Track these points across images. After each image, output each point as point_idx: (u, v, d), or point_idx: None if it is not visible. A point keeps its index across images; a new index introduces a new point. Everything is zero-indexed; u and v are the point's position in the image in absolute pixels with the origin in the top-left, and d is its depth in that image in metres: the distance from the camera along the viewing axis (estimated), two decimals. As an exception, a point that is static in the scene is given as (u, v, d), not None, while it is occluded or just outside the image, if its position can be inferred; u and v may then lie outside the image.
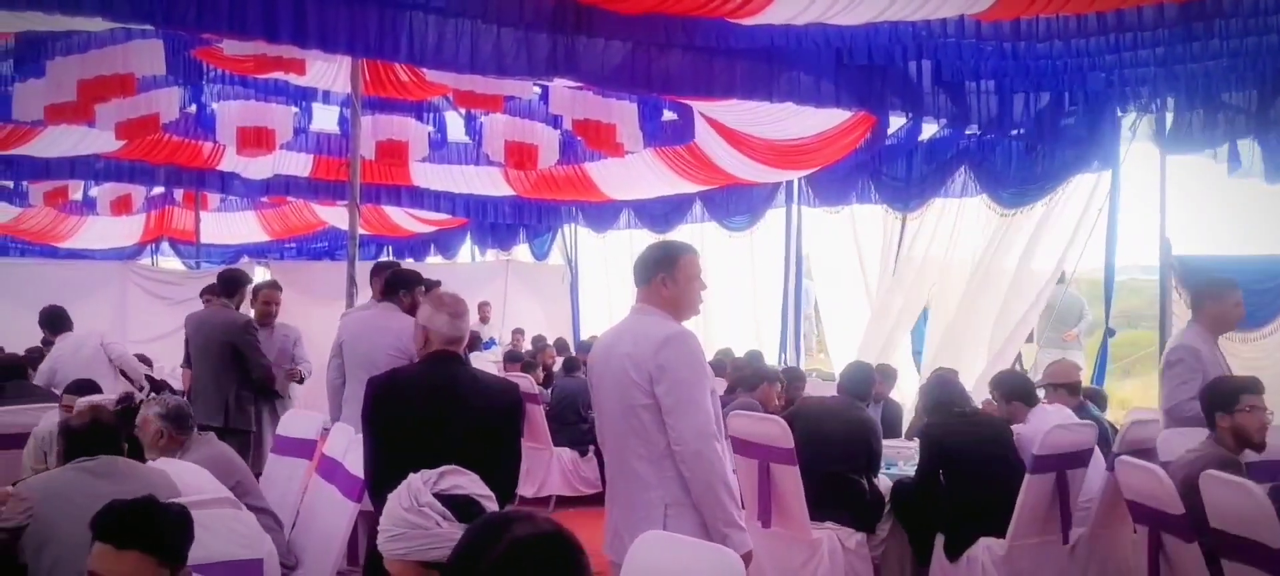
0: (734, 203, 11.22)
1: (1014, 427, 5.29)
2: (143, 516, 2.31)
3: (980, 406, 6.16)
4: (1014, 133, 7.57)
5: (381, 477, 3.37)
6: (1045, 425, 5.00)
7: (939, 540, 5.23)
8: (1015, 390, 5.61)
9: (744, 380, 6.95)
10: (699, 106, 8.75)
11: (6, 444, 5.56)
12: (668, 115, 9.38)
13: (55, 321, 7.57)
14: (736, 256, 11.62)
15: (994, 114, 7.10)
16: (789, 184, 10.52)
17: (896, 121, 7.97)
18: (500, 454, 3.41)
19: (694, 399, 3.34)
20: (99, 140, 10.10)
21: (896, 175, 9.08)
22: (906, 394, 8.53)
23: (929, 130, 8.13)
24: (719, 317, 11.00)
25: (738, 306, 11.43)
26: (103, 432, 3.75)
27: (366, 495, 3.63)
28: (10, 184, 13.39)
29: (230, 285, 6.86)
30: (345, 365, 5.62)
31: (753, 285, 11.49)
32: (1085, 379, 6.99)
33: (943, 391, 5.61)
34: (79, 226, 16.60)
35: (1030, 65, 6.62)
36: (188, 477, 3.79)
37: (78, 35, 7.54)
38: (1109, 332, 7.56)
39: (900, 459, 6.11)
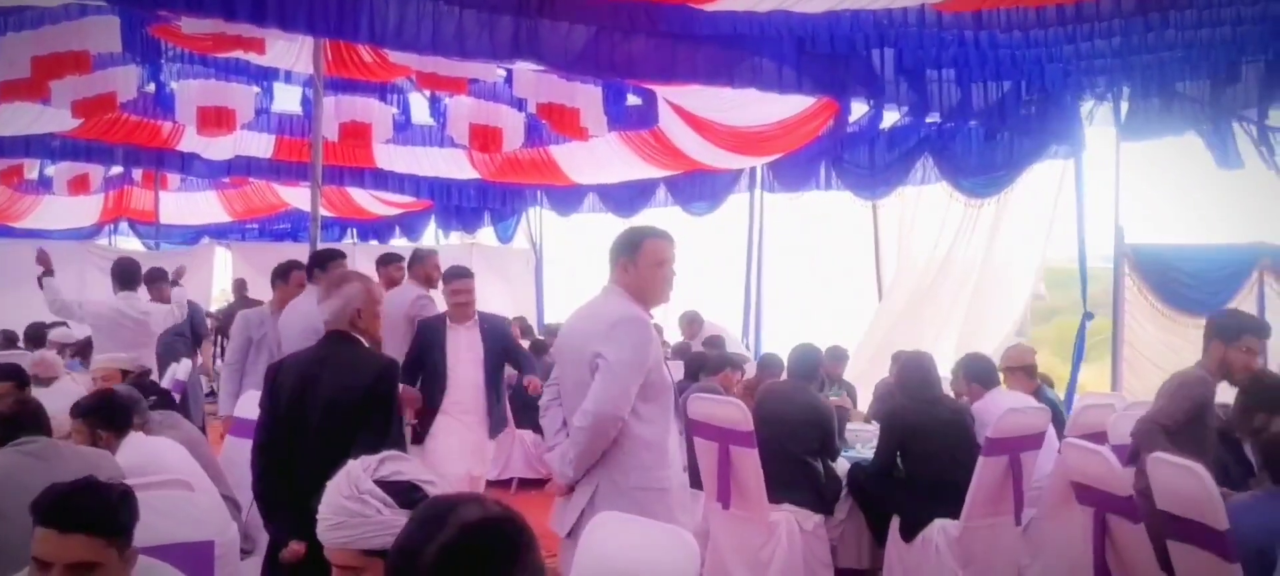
0: (697, 188, 11.25)
1: (971, 407, 5.37)
2: (85, 497, 2.28)
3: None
4: (973, 121, 7.64)
5: (260, 456, 3.69)
6: (999, 408, 5.07)
7: (895, 521, 5.30)
8: (974, 372, 5.67)
9: (706, 364, 6.97)
10: (663, 91, 8.76)
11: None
12: (632, 100, 9.38)
13: (126, 277, 7.44)
14: (700, 241, 11.66)
15: (955, 102, 7.16)
16: (752, 170, 10.57)
17: (858, 109, 8.03)
18: (358, 430, 3.48)
19: (617, 377, 3.41)
20: (55, 119, 9.91)
21: (859, 162, 9.13)
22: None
23: (891, 118, 8.20)
24: (682, 301, 11.03)
25: (700, 291, 11.47)
26: (31, 415, 3.72)
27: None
28: (-38, 162, 13.14)
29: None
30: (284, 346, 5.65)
31: (716, 269, 11.54)
32: (1065, 364, 7.10)
33: (914, 372, 5.58)
34: (35, 205, 16.30)
35: (990, 54, 6.69)
36: (159, 455, 3.80)
37: (30, 10, 7.40)
38: (1087, 316, 7.64)
39: (858, 441, 6.18)
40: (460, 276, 6.07)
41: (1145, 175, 7.75)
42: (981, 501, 4.99)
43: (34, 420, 3.67)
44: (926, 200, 9.00)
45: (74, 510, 2.24)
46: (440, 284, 6.28)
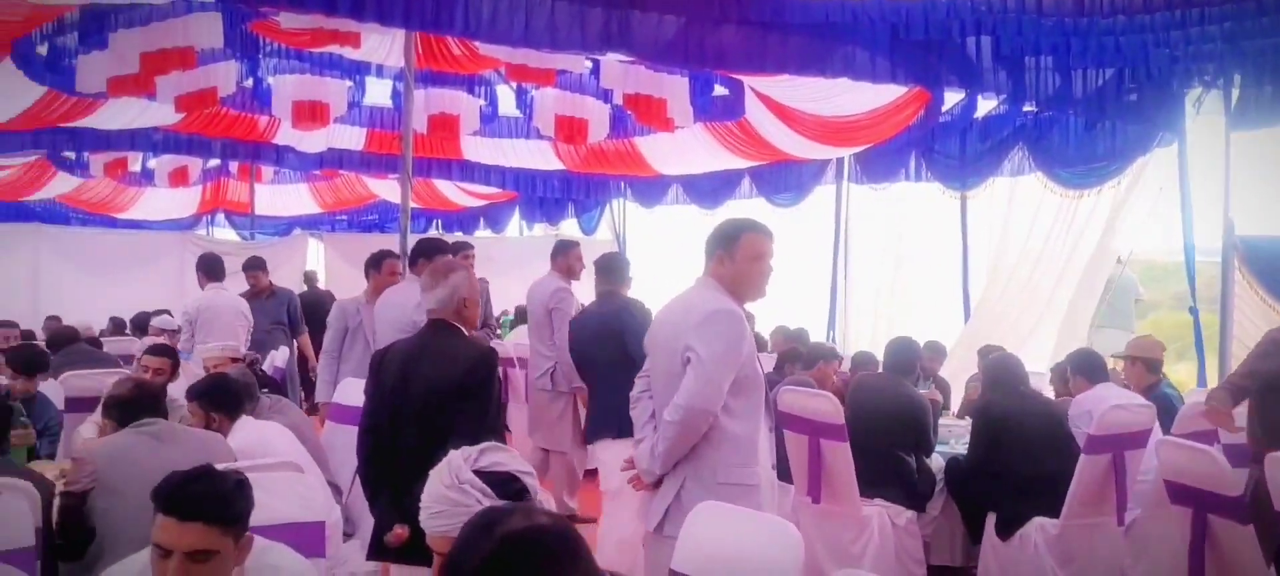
0: (783, 179, 11.15)
1: (1072, 400, 5.25)
2: (202, 486, 2.34)
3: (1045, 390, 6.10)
4: (1073, 110, 7.43)
5: (365, 441, 3.78)
6: (1103, 404, 4.94)
7: (990, 519, 5.20)
8: (1081, 365, 5.53)
9: (800, 357, 6.90)
10: (750, 82, 8.70)
11: (75, 408, 5.74)
12: (719, 90, 9.33)
13: (212, 269, 7.72)
14: (784, 233, 11.56)
15: (1053, 90, 6.96)
16: (838, 161, 10.45)
17: (951, 98, 7.87)
18: (456, 417, 3.55)
19: (709, 372, 3.37)
20: (158, 113, 10.26)
21: (950, 153, 8.96)
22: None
23: (985, 107, 8.02)
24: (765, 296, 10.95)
25: (783, 284, 11.37)
26: (150, 398, 3.88)
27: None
28: (72, 155, 13.63)
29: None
30: (377, 335, 5.82)
31: (800, 263, 11.43)
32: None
33: (1003, 370, 5.52)
34: (137, 197, 16.91)
35: (1092, 40, 6.48)
36: (267, 439, 3.92)
37: (140, 8, 7.66)
38: (1193, 312, 7.39)
39: (952, 436, 6.09)
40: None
41: (1255, 166, 7.42)
42: (1082, 500, 4.87)
43: (153, 403, 3.83)
44: (1021, 192, 8.79)
45: (191, 499, 2.30)
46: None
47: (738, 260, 3.51)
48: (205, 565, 2.30)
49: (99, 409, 5.20)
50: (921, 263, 10.19)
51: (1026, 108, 7.65)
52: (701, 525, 2.95)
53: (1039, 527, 4.98)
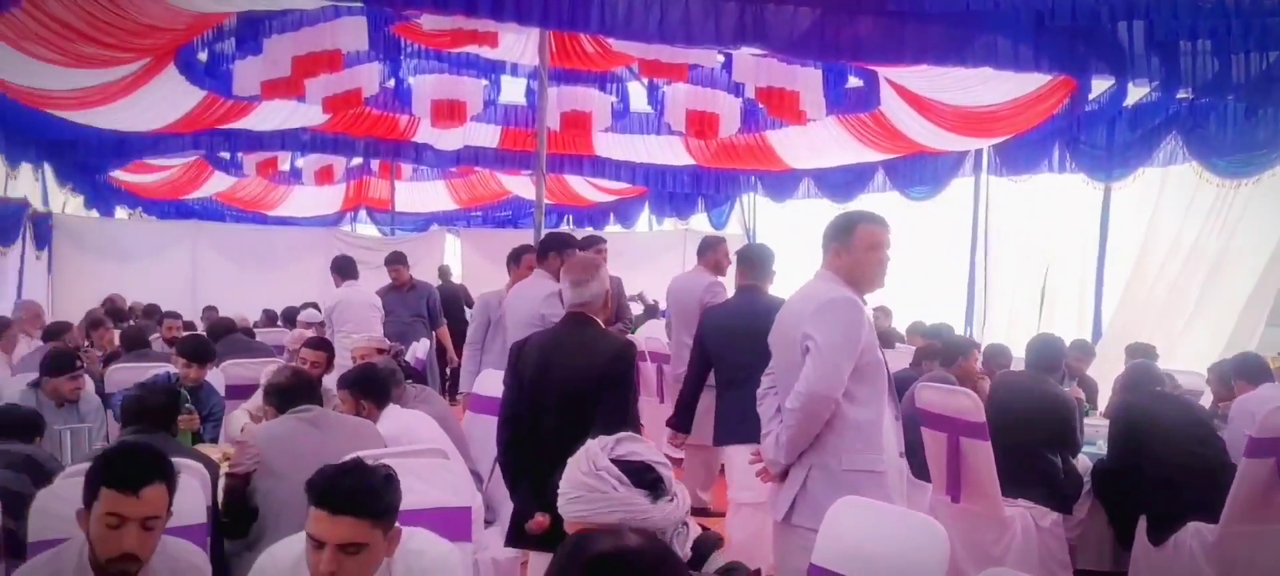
0: (918, 172, 10.91)
1: (1233, 402, 5.00)
2: (351, 480, 2.41)
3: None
4: (1231, 96, 7.04)
5: (505, 430, 3.86)
6: (1266, 405, 4.67)
7: (1142, 523, 4.99)
8: (1243, 368, 5.29)
9: (938, 353, 6.74)
10: (886, 72, 8.55)
11: (234, 395, 6.06)
12: (853, 81, 9.20)
13: (345, 269, 8.16)
14: (920, 227, 11.31)
15: (1211, 76, 6.61)
16: (976, 152, 10.16)
17: (1099, 85, 7.56)
18: (597, 408, 3.61)
19: (827, 358, 3.39)
20: (306, 114, 10.75)
21: (1096, 142, 8.60)
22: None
23: (1135, 94, 7.67)
24: (899, 290, 10.75)
25: (918, 279, 11.14)
26: (305, 386, 4.07)
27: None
28: (227, 155, 14.40)
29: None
30: (507, 328, 5.93)
31: (934, 257, 11.18)
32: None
33: (1139, 372, 5.35)
34: (286, 195, 17.73)
35: (1253, 22, 6.14)
36: (411, 427, 4.06)
37: (292, 14, 8.04)
38: None
39: (1099, 437, 5.86)
40: None
41: None
42: (1244, 505, 4.61)
43: (308, 390, 4.02)
44: (1171, 182, 8.38)
45: (342, 492, 2.36)
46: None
47: (854, 251, 3.53)
48: (356, 557, 2.37)
49: (254, 396, 5.52)
50: (1058, 256, 9.83)
51: (1181, 94, 7.28)
52: (843, 519, 2.93)
53: (1195, 533, 4.74)
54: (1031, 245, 10.10)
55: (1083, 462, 5.39)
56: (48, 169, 11.86)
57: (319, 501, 2.38)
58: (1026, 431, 5.19)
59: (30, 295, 11.02)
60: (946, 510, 5.22)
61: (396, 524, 2.52)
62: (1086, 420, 6.15)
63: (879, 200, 11.44)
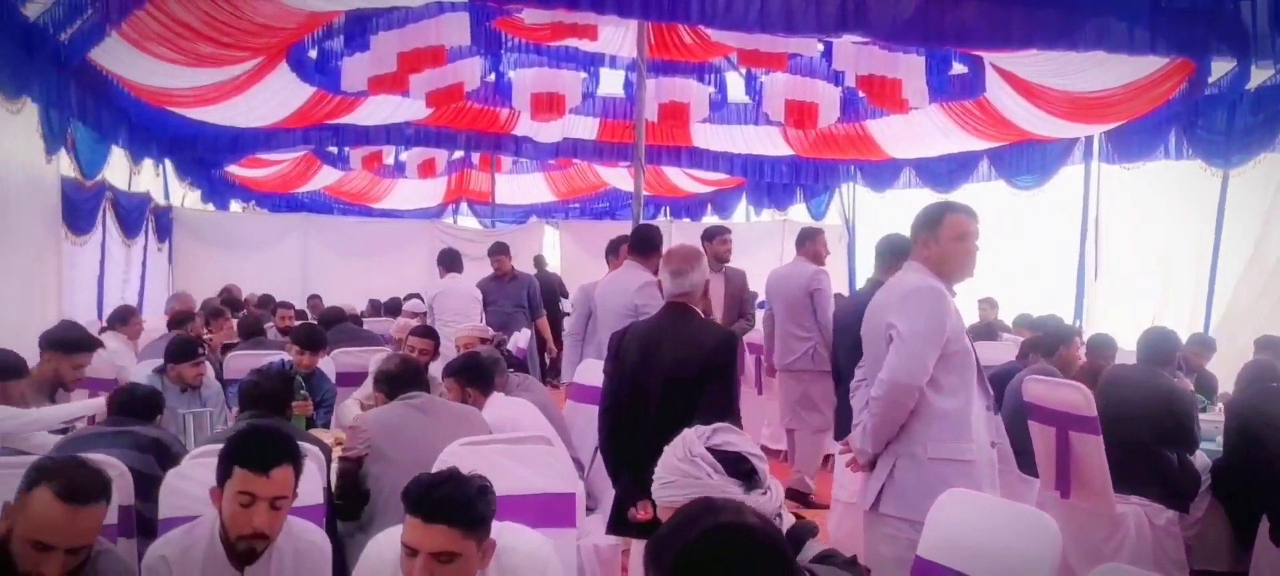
0: (1025, 160, 10.62)
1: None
2: (446, 490, 2.41)
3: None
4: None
5: (606, 419, 3.91)
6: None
7: (1264, 523, 4.78)
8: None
9: (1038, 345, 6.58)
10: (991, 58, 8.34)
11: (344, 382, 6.25)
12: (957, 68, 9.00)
13: (449, 261, 8.40)
14: (1026, 217, 11.02)
15: (1344, 55, 6.29)
16: (1087, 139, 9.84)
17: (1219, 68, 7.25)
18: (698, 397, 3.60)
19: (910, 346, 3.40)
20: (410, 108, 11.00)
21: (1215, 127, 8.24)
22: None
23: (1259, 77, 7.33)
24: (1006, 282, 10.49)
25: (1024, 270, 10.86)
26: (414, 373, 4.17)
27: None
28: (335, 150, 14.83)
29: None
30: (600, 319, 6.00)
31: (1042, 247, 10.89)
32: None
33: (1256, 368, 5.19)
34: (390, 188, 18.17)
35: (1393, -2, 5.82)
36: (514, 415, 4.13)
37: (398, 11, 8.23)
38: None
39: (1217, 433, 5.64)
40: None
41: None
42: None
43: (416, 377, 4.12)
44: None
45: (435, 502, 2.36)
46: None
47: (942, 241, 3.52)
48: (449, 566, 2.37)
49: (364, 384, 5.69)
50: (1173, 246, 9.48)
51: (1309, 75, 6.95)
52: (951, 512, 2.88)
53: (1326, 536, 4.54)
54: (1144, 234, 9.76)
55: (1201, 459, 5.19)
56: (168, 164, 12.39)
57: (414, 509, 2.38)
58: (1139, 426, 5.03)
59: (152, 285, 11.55)
60: (1056, 506, 5.09)
61: (490, 536, 2.50)
62: (1203, 416, 5.93)
63: (984, 189, 11.20)
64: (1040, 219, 10.84)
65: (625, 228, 8.87)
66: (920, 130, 10.46)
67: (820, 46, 9.18)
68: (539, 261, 14.12)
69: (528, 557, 2.63)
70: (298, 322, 7.99)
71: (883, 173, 12.97)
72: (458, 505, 2.38)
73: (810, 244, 7.05)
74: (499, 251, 9.14)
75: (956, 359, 3.47)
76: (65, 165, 8.24)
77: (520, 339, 8.37)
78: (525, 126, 12.23)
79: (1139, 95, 7.78)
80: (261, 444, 2.75)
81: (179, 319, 7.65)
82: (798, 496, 6.75)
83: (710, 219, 17.18)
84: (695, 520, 1.70)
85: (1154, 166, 9.13)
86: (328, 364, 6.32)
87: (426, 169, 16.76)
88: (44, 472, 2.45)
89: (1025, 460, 5.43)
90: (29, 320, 6.73)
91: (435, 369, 5.43)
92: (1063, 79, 7.96)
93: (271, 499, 2.71)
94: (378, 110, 11.10)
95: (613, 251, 6.81)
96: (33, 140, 7.30)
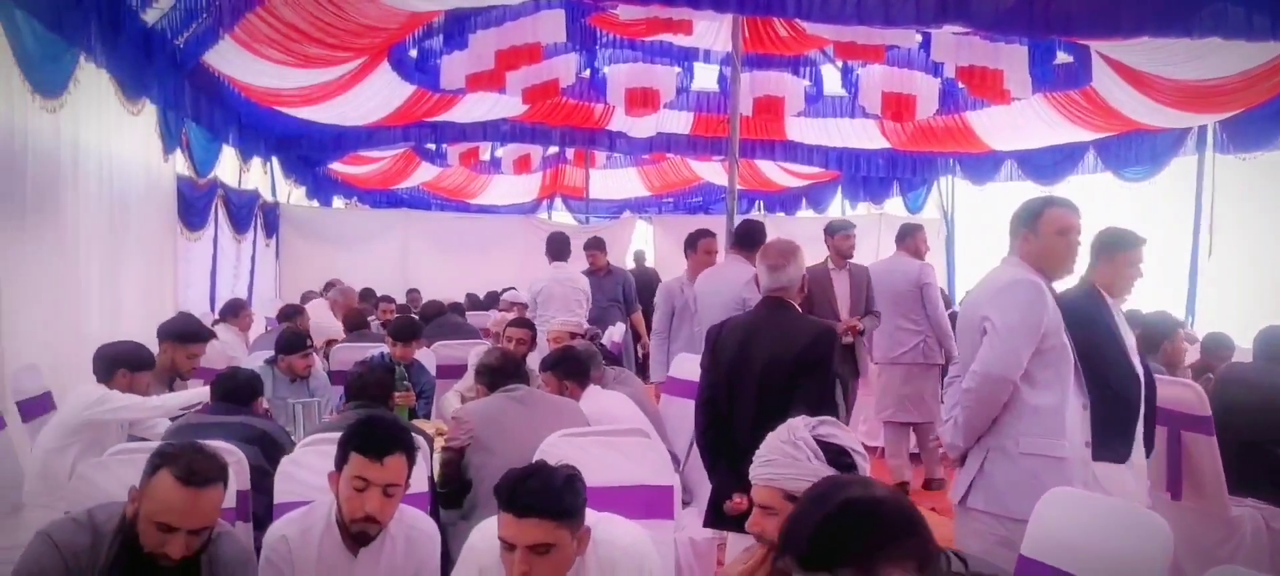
0: (1134, 150, 10.27)
1: None
2: (533, 483, 2.46)
3: None
4: None
5: (703, 412, 3.91)
6: None
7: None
8: None
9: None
10: (1098, 46, 8.08)
11: (445, 374, 6.39)
12: (1062, 57, 8.75)
13: (558, 249, 8.41)
14: (1133, 210, 10.66)
15: None
16: (1200, 128, 9.47)
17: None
18: (795, 391, 3.60)
19: (1004, 339, 3.38)
20: (507, 105, 11.16)
21: (1340, 115, 7.86)
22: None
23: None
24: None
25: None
26: (514, 366, 4.25)
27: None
28: (433, 146, 15.12)
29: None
30: (701, 312, 5.99)
31: (1150, 243, 10.49)
32: None
33: None
34: (486, 184, 18.46)
35: None
36: (610, 408, 4.18)
37: (495, 10, 8.36)
38: None
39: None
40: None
41: None
42: None
43: (516, 370, 4.20)
44: None
45: (525, 497, 2.42)
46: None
47: (1043, 236, 3.51)
48: (546, 557, 2.42)
49: (465, 376, 5.81)
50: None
51: None
52: (1056, 511, 2.82)
53: None
54: (1262, 228, 9.36)
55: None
56: (275, 162, 12.80)
57: (506, 505, 2.44)
58: (1257, 426, 4.86)
59: (261, 279, 11.95)
60: (1166, 508, 4.92)
61: (585, 524, 2.55)
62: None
63: (1089, 182, 10.87)
64: (1150, 212, 10.46)
65: (719, 222, 8.87)
66: (1022, 121, 10.21)
67: (918, 38, 9.02)
68: (639, 257, 14.20)
69: (626, 551, 2.67)
70: (395, 316, 8.18)
71: (983, 165, 12.69)
72: (547, 497, 2.43)
73: (910, 239, 7.11)
74: (595, 246, 9.20)
75: (1053, 355, 3.44)
76: (180, 164, 8.57)
77: (614, 333, 8.43)
78: (619, 121, 12.30)
79: (1257, 83, 7.45)
80: (378, 432, 2.85)
81: (287, 312, 7.91)
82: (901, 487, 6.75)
83: (805, 213, 17.06)
84: (827, 496, 1.73)
85: (1272, 156, 8.75)
86: (428, 356, 6.47)
87: (522, 165, 16.98)
88: (165, 457, 2.57)
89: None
90: (149, 312, 7.05)
91: (532, 360, 5.52)
92: (1174, 67, 7.67)
93: (384, 485, 2.80)
94: (475, 107, 11.29)
95: (690, 246, 6.82)
96: (151, 140, 7.62)
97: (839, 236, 6.83)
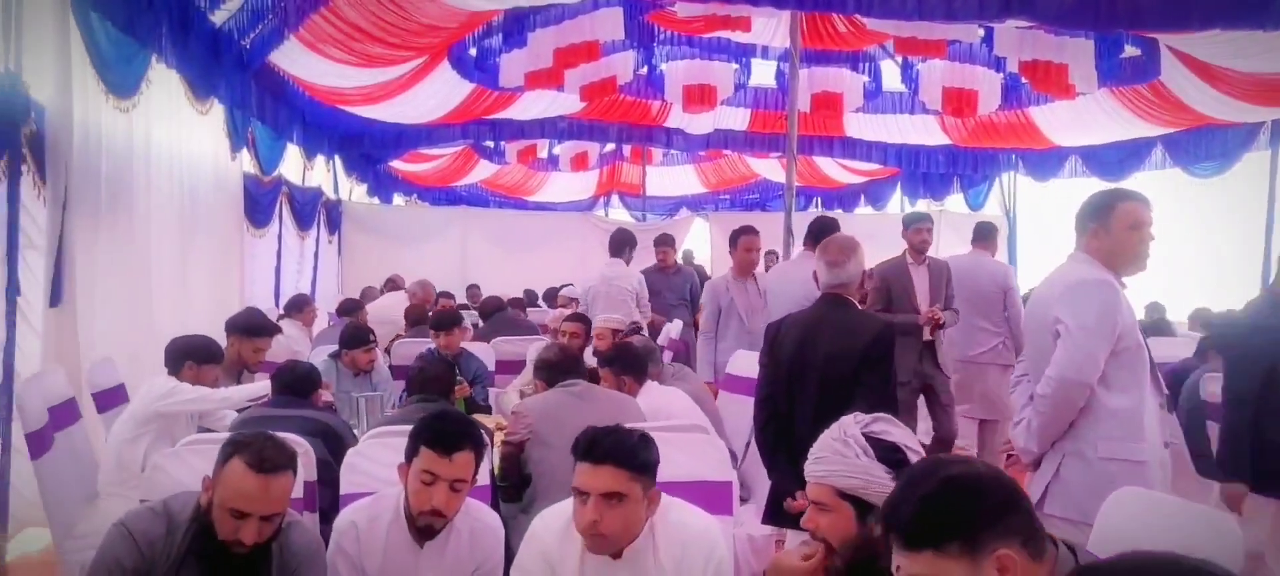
0: (1203, 146, 10.04)
1: None
2: (612, 436, 2.64)
3: None
4: None
5: (762, 409, 3.90)
6: None
7: None
8: None
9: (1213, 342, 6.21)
10: (1167, 39, 7.91)
11: (503, 370, 6.45)
12: (1129, 50, 8.57)
13: (619, 245, 8.32)
14: (1203, 207, 10.44)
15: None
16: (1273, 123, 9.23)
17: None
18: (856, 388, 3.58)
19: (1080, 342, 3.27)
20: (564, 103, 11.22)
21: None
22: None
23: None
24: (1183, 275, 9.95)
25: (1202, 263, 10.29)
26: (572, 362, 4.28)
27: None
28: (492, 144, 15.25)
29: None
30: (772, 308, 5.96)
31: (1221, 239, 10.29)
32: None
33: None
34: (544, 181, 18.57)
35: None
36: (668, 404, 4.19)
37: (554, 8, 8.42)
38: None
39: None
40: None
41: None
42: None
43: (574, 366, 4.23)
44: None
45: (603, 445, 2.60)
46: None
47: (1114, 232, 3.36)
48: (618, 508, 2.57)
49: (524, 372, 5.85)
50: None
51: None
52: (1122, 511, 2.77)
53: None
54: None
55: None
56: (338, 160, 13.01)
57: (583, 455, 2.61)
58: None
59: (324, 275, 12.15)
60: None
61: (656, 486, 2.67)
62: None
63: (1158, 178, 10.67)
64: (1220, 209, 10.23)
65: (775, 219, 8.83)
66: (1088, 116, 10.02)
67: (981, 32, 8.90)
68: (687, 256, 14.18)
69: (698, 533, 2.77)
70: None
71: (1046, 161, 12.49)
72: (623, 449, 2.60)
73: (993, 238, 7.18)
74: (664, 243, 9.15)
75: (1128, 355, 3.32)
76: (246, 162, 8.75)
77: (672, 330, 8.43)
78: (677, 118, 12.31)
79: (1333, 75, 7.26)
80: (447, 428, 2.90)
81: (348, 307, 8.04)
82: None
83: (864, 210, 16.92)
84: (928, 474, 1.77)
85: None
86: (488, 352, 6.53)
87: (579, 162, 17.06)
88: (237, 446, 2.65)
89: (1204, 463, 5.16)
90: (216, 307, 7.21)
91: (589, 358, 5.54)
92: (1245, 60, 7.48)
93: (452, 481, 2.85)
94: (533, 105, 11.36)
95: (732, 243, 6.80)
96: (219, 138, 7.80)
97: (911, 230, 6.66)
